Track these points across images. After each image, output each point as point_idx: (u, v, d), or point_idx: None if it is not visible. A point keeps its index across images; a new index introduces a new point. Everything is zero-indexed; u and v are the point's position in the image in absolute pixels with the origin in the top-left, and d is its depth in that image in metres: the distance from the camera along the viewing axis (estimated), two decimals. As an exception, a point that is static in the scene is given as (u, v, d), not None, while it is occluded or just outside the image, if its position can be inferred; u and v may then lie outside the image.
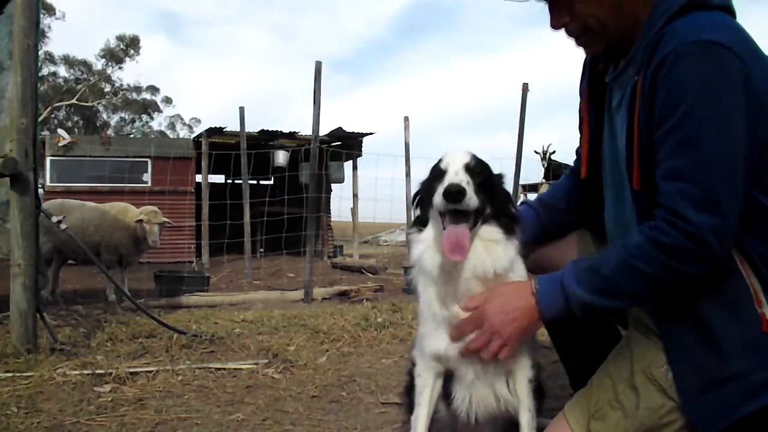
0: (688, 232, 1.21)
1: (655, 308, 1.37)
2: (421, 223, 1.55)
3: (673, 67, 1.22)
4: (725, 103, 1.20)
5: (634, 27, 1.36)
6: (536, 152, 13.33)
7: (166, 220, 6.42)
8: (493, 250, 1.47)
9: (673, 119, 1.22)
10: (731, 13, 1.33)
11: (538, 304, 1.40)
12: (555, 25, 1.43)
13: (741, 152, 1.21)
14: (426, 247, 1.51)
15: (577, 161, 1.72)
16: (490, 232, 1.48)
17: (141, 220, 6.23)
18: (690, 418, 1.29)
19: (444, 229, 1.44)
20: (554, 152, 11.75)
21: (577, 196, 1.75)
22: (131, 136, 28.82)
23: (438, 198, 1.41)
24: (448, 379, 1.61)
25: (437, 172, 1.50)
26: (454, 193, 1.37)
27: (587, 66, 1.62)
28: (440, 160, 1.52)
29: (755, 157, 1.24)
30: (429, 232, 1.52)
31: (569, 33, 1.45)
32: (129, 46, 30.99)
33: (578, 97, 1.67)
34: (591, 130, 1.61)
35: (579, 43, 1.47)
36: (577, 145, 1.71)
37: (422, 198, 1.58)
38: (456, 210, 1.39)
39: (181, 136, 32.42)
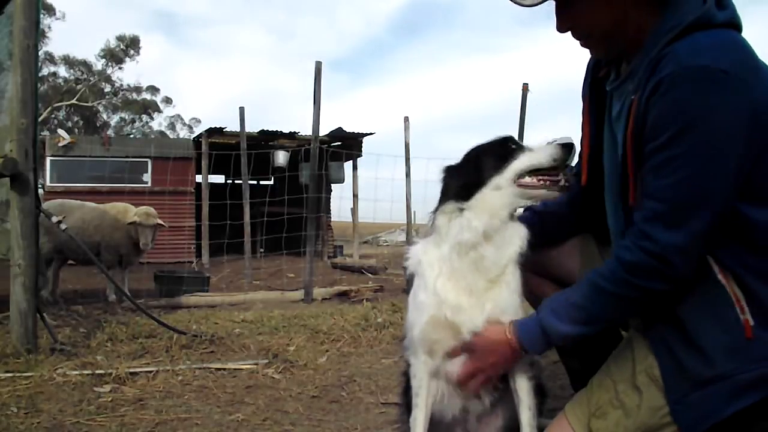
0: (651, 251, 1.24)
1: (643, 321, 1.39)
2: (464, 196, 1.51)
3: (667, 91, 1.22)
4: (715, 128, 1.20)
5: (639, 36, 1.36)
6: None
7: (159, 222, 6.36)
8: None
9: (660, 140, 1.24)
10: (737, 26, 1.31)
11: (524, 349, 1.46)
12: (561, 29, 1.44)
13: (725, 175, 1.22)
14: (479, 214, 1.49)
15: (579, 164, 1.72)
16: None
17: (134, 222, 6.20)
18: (675, 419, 1.31)
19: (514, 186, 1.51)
20: None
21: (579, 201, 1.75)
22: (131, 136, 28.80)
23: (553, 151, 1.51)
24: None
25: (511, 145, 1.56)
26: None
27: (590, 71, 1.62)
28: (507, 138, 1.59)
29: (745, 170, 1.24)
30: (481, 200, 1.50)
31: (574, 37, 1.46)
32: (129, 46, 30.92)
33: (580, 99, 1.68)
34: (591, 135, 1.61)
35: (583, 45, 1.49)
36: (579, 148, 1.71)
37: (472, 171, 1.54)
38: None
39: (181, 136, 32.35)
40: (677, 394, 1.30)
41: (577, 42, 1.47)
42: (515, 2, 1.36)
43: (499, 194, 1.51)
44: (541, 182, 1.52)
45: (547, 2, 1.39)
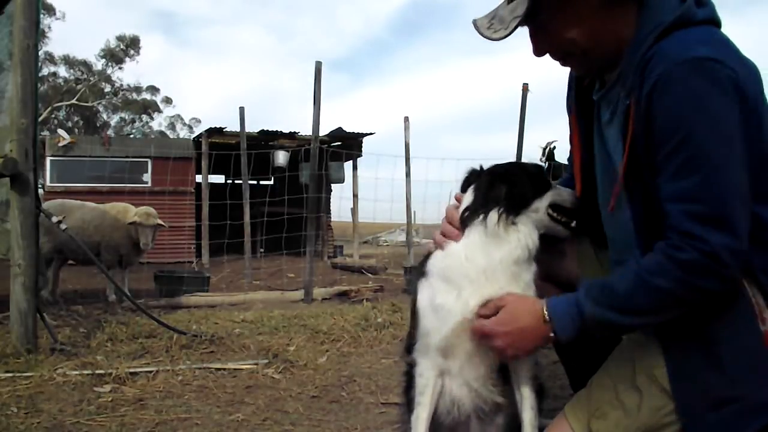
0: (704, 251, 1.21)
1: (658, 327, 1.36)
2: (513, 211, 1.52)
3: (667, 89, 1.21)
4: (723, 118, 1.19)
5: (619, 45, 1.35)
6: (540, 146, 13.17)
7: (159, 222, 6.35)
8: None
9: (673, 141, 1.22)
10: (717, 24, 1.32)
11: (554, 330, 1.38)
12: (538, 53, 1.44)
13: (744, 165, 1.21)
14: (530, 232, 1.53)
15: (571, 171, 1.72)
16: None
17: (134, 222, 6.19)
18: None
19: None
20: (555, 147, 11.59)
21: None
22: (131, 136, 28.81)
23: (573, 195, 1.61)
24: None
25: (544, 174, 1.62)
26: None
27: (572, 82, 1.61)
28: (540, 166, 1.65)
29: (753, 167, 1.23)
30: (527, 218, 1.54)
31: (554, 58, 1.46)
32: (129, 46, 30.92)
33: (566, 112, 1.67)
34: (582, 146, 1.61)
35: (563, 65, 1.49)
36: (570, 158, 1.72)
37: (520, 187, 1.55)
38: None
39: (181, 136, 32.35)
40: (693, 411, 1.28)
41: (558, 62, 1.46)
42: (486, 37, 1.37)
43: (537, 217, 1.55)
44: (560, 218, 1.59)
45: (521, 27, 1.39)
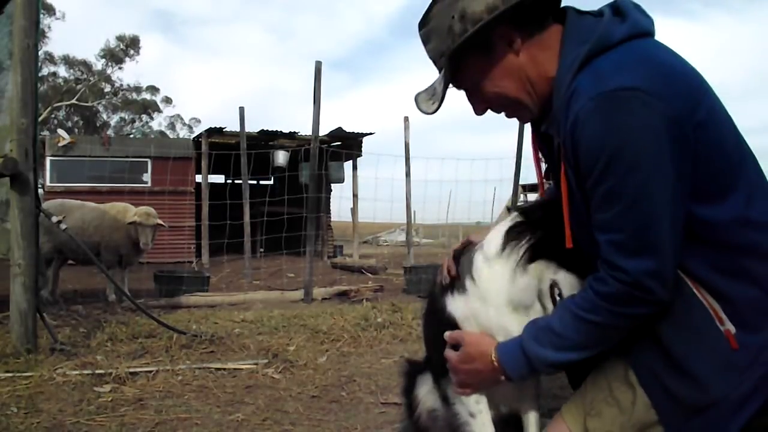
0: (624, 281, 1.22)
1: (622, 346, 1.37)
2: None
3: (584, 126, 1.22)
4: (639, 147, 1.18)
5: (551, 86, 1.35)
6: None
7: (159, 222, 6.35)
8: None
9: (594, 175, 1.23)
10: (643, 33, 1.29)
11: (504, 372, 1.40)
12: (478, 112, 1.46)
13: (668, 188, 1.20)
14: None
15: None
16: None
17: (134, 222, 6.19)
18: None
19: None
20: None
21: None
22: (131, 136, 28.82)
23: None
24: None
25: None
26: None
27: (532, 124, 1.61)
28: None
29: (686, 174, 1.22)
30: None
31: (496, 112, 1.47)
32: (129, 46, 30.90)
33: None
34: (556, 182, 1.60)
35: (509, 117, 1.50)
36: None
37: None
38: None
39: (181, 136, 32.35)
40: (675, 422, 1.29)
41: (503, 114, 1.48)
42: (423, 112, 1.43)
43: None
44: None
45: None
